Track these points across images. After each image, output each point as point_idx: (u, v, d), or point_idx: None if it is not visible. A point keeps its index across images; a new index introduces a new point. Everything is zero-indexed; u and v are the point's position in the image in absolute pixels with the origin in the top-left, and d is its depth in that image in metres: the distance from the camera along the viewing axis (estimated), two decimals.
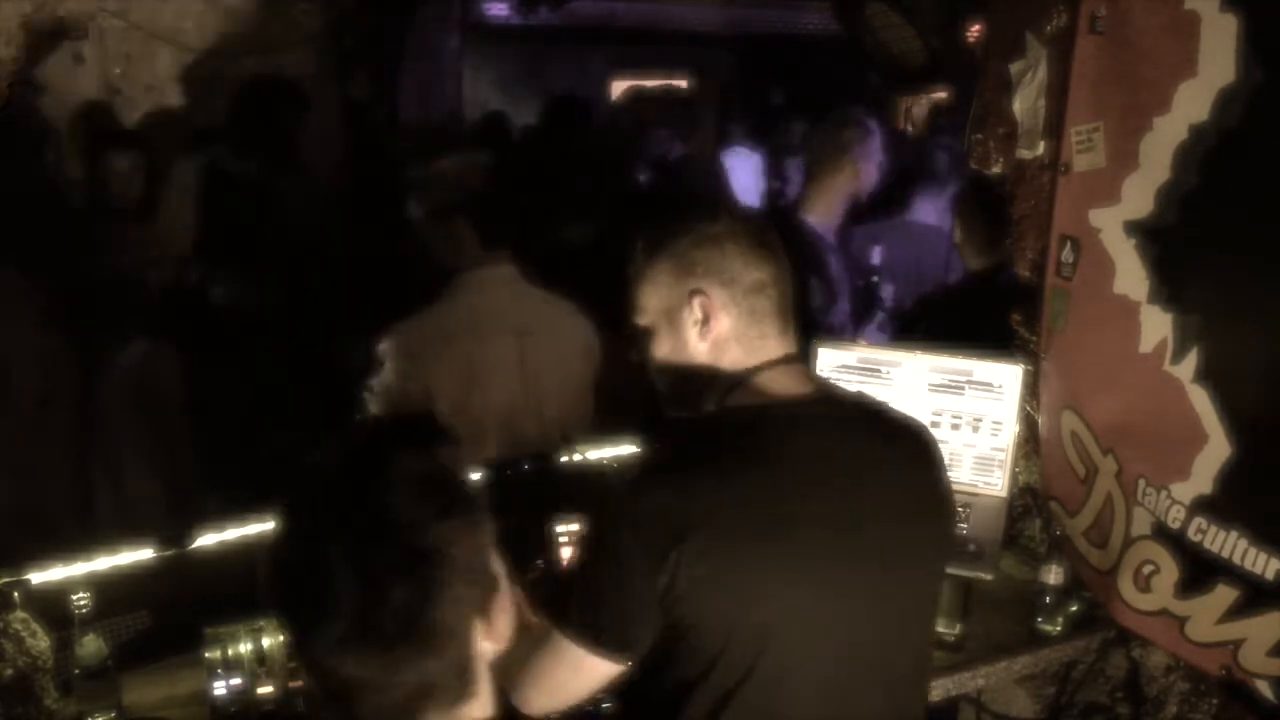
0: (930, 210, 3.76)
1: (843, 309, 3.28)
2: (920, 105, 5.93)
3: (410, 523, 1.03)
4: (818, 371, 2.34)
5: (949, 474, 1.57)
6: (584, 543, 1.71)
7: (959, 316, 2.88)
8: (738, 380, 1.47)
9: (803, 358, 1.55)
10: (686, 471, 1.37)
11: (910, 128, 5.98)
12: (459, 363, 2.24)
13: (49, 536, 2.14)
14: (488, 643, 1.08)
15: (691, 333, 1.47)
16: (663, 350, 1.50)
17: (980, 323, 2.61)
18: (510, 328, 2.30)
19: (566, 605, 1.42)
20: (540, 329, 2.35)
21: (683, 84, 7.30)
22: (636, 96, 4.67)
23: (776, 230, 1.53)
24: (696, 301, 1.46)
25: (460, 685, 1.07)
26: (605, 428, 2.44)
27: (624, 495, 1.40)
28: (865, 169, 3.32)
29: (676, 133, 4.17)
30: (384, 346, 2.25)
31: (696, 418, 1.50)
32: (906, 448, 1.52)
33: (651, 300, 1.49)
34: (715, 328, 1.46)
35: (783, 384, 1.47)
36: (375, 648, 1.01)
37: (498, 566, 1.10)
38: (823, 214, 3.30)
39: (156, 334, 2.88)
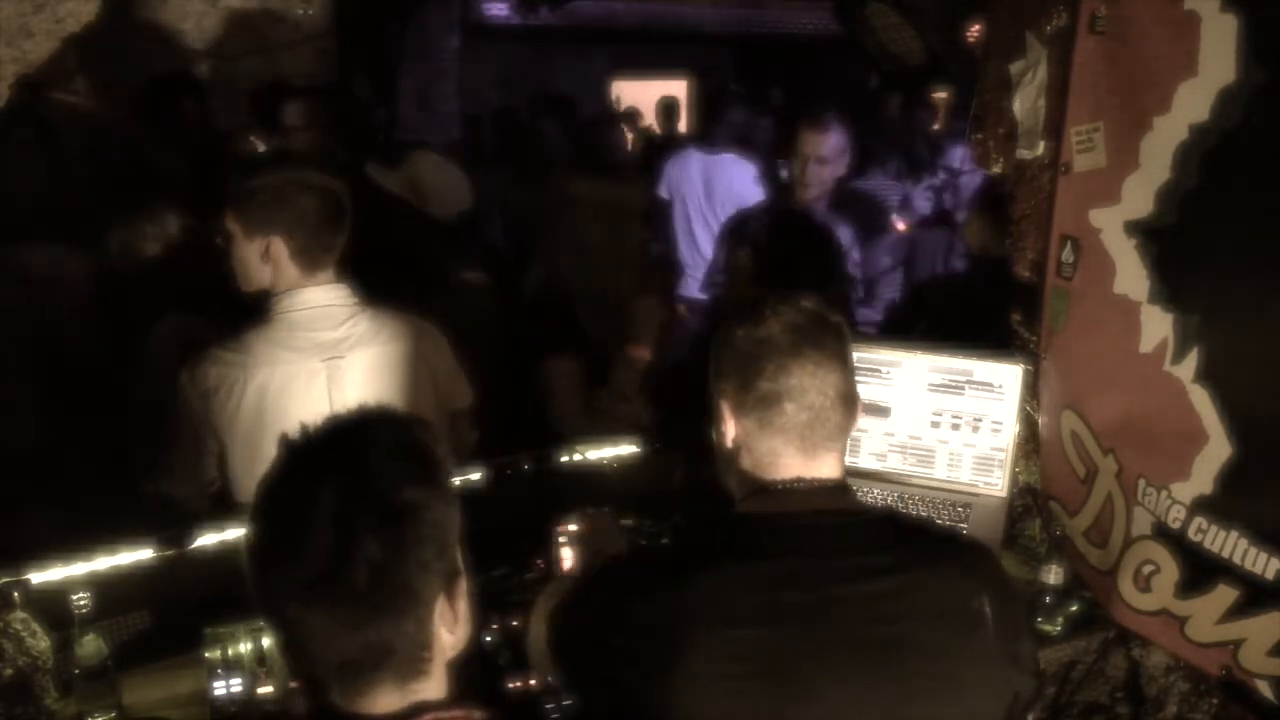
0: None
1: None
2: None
3: (390, 481, 1.06)
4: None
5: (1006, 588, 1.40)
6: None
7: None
8: (748, 492, 1.41)
9: (847, 490, 1.42)
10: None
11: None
12: (252, 396, 2.04)
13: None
14: (445, 630, 1.11)
15: (719, 429, 1.44)
16: (714, 433, 1.47)
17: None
18: (317, 353, 2.08)
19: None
20: (359, 351, 2.13)
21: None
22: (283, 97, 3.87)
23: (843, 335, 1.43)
24: (719, 401, 1.43)
25: (417, 659, 1.08)
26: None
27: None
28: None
29: (322, 134, 3.54)
30: (181, 382, 2.05)
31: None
32: (940, 568, 1.34)
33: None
34: (729, 433, 1.42)
35: (796, 501, 1.37)
36: (342, 596, 1.03)
37: (462, 557, 1.13)
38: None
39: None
